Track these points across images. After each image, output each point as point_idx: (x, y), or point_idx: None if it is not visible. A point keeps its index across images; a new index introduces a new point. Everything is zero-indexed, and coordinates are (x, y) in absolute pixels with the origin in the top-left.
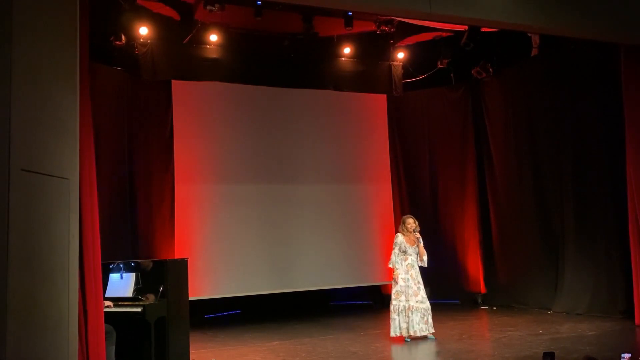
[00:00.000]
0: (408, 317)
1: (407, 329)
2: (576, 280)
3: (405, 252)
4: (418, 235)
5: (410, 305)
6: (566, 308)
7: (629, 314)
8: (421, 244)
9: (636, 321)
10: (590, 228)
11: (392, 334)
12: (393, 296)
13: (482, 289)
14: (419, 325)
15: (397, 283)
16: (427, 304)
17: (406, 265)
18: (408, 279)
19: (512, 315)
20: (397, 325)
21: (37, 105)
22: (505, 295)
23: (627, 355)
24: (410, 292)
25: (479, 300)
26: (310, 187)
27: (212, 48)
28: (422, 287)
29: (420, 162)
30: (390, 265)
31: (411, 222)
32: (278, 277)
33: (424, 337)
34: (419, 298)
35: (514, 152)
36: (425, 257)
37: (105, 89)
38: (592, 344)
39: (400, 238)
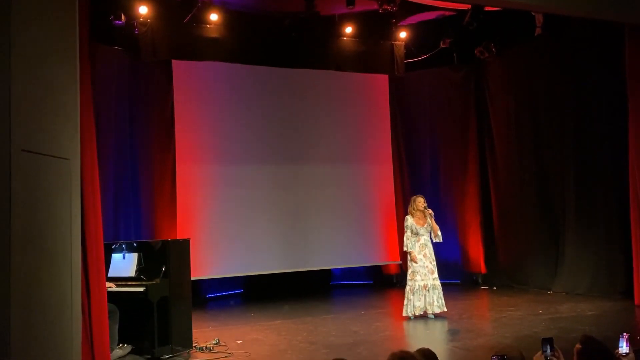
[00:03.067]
0: (424, 295)
1: (423, 307)
2: (576, 261)
3: (417, 233)
4: (430, 211)
5: (426, 284)
6: (566, 288)
7: (628, 294)
8: (433, 220)
9: (635, 301)
10: (591, 209)
11: (404, 314)
12: (409, 277)
13: (483, 269)
14: (437, 302)
15: (415, 264)
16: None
17: (419, 246)
18: (421, 258)
19: (512, 295)
20: (412, 305)
21: (37, 86)
22: (505, 275)
23: (626, 335)
24: (426, 271)
25: (479, 281)
26: (312, 167)
27: (213, 27)
28: (435, 265)
29: (422, 143)
30: (405, 249)
31: (421, 200)
32: (279, 257)
33: (425, 316)
34: (435, 275)
35: (516, 133)
36: (439, 232)
37: (105, 69)
38: (591, 323)
39: (410, 220)
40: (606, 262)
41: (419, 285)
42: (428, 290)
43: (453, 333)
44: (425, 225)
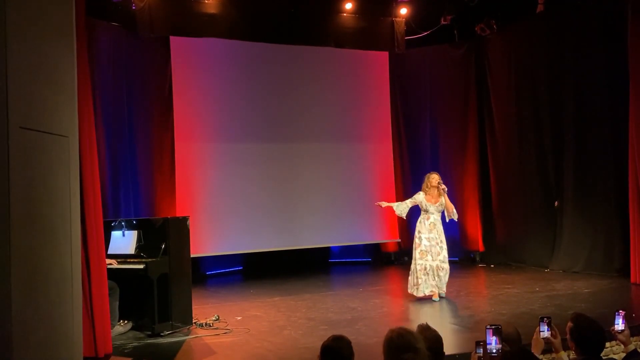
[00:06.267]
0: (438, 275)
1: (438, 287)
2: (573, 239)
3: (427, 210)
4: (444, 187)
5: (437, 265)
6: (563, 266)
7: (624, 272)
8: (446, 197)
9: (632, 279)
10: (590, 187)
11: (417, 293)
12: (418, 256)
13: (481, 247)
14: (445, 284)
15: (420, 241)
16: (448, 266)
17: (429, 224)
18: (431, 238)
19: (510, 273)
20: (428, 284)
21: (34, 62)
22: (503, 253)
23: (622, 312)
24: (434, 250)
25: (477, 258)
26: (311, 145)
27: (211, 3)
28: (444, 247)
29: (422, 121)
30: (398, 213)
31: (436, 177)
32: (279, 234)
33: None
34: (441, 258)
35: (516, 111)
36: (454, 210)
37: (102, 45)
38: (587, 301)
39: (421, 196)
40: (603, 241)
41: (430, 265)
42: (441, 270)
43: (450, 310)
44: (437, 204)
